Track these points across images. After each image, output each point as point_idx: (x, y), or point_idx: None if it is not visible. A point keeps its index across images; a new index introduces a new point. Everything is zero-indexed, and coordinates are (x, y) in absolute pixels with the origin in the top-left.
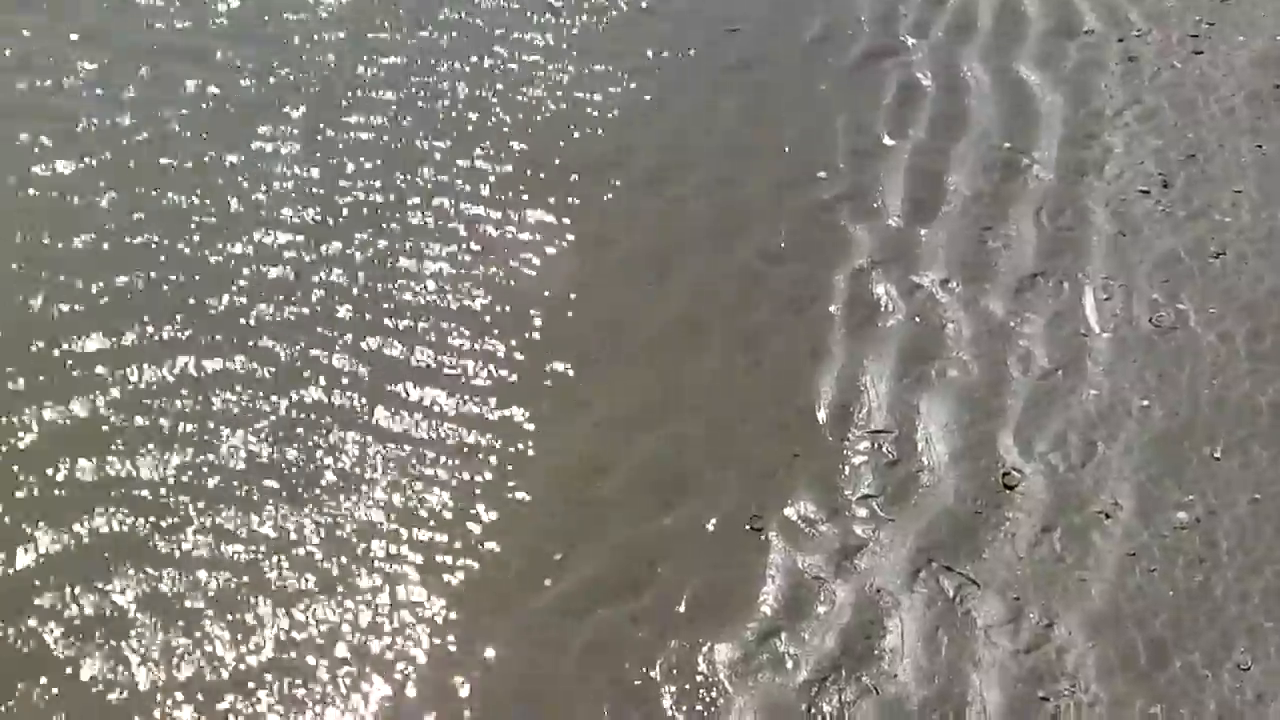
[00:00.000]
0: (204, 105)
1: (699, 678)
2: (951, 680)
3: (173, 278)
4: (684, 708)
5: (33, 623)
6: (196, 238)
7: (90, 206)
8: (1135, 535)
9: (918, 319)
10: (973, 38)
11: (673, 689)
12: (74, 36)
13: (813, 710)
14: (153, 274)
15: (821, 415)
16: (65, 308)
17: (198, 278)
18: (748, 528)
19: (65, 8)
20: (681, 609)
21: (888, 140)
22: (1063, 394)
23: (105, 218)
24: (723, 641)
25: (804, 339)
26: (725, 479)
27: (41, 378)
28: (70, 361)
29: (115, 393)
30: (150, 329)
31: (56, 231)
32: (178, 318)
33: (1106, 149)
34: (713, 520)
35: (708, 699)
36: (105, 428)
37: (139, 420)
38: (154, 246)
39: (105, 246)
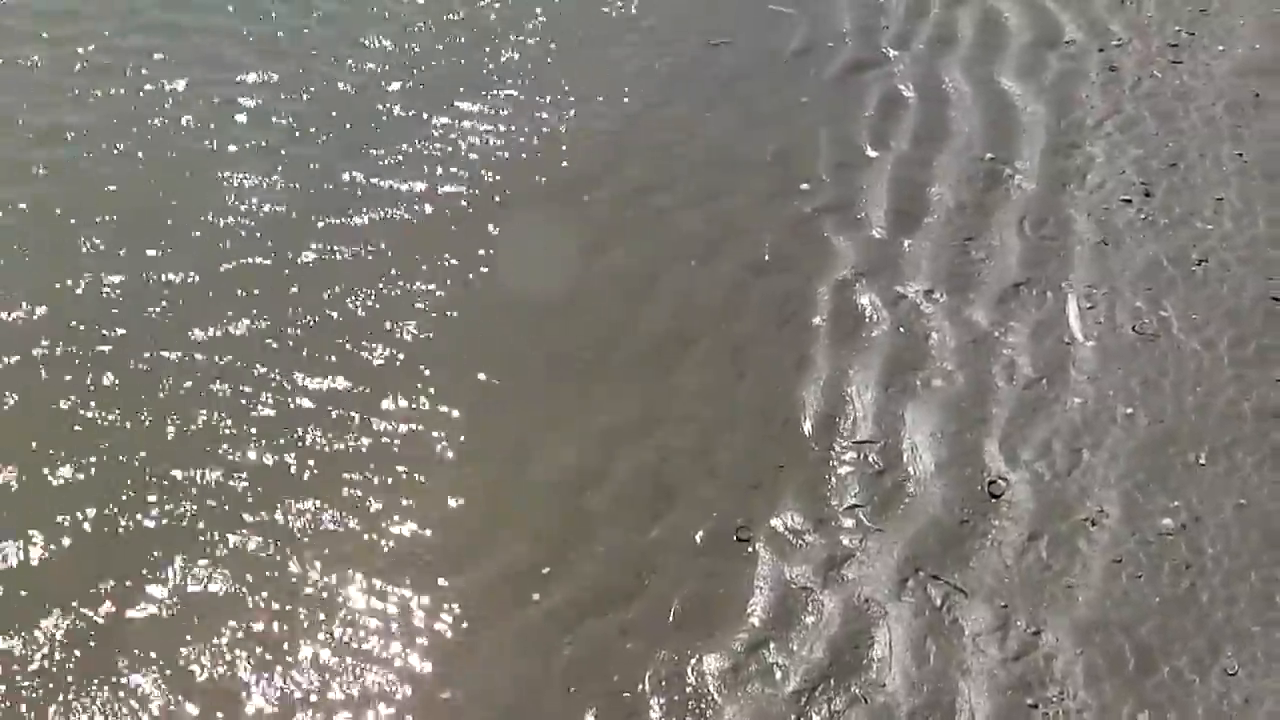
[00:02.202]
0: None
1: (688, 689)
2: (940, 689)
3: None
4: (673, 719)
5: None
6: None
7: None
8: (1121, 542)
9: (902, 329)
10: (954, 49)
11: (662, 700)
12: None
13: None
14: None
15: (807, 426)
16: None
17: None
18: (735, 539)
19: None
20: (670, 620)
21: (870, 152)
22: (1047, 402)
23: None
24: (711, 652)
25: (789, 350)
26: (712, 490)
27: None
28: None
29: None
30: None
31: None
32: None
33: (1088, 158)
34: (700, 532)
35: (697, 710)
36: None
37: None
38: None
39: None
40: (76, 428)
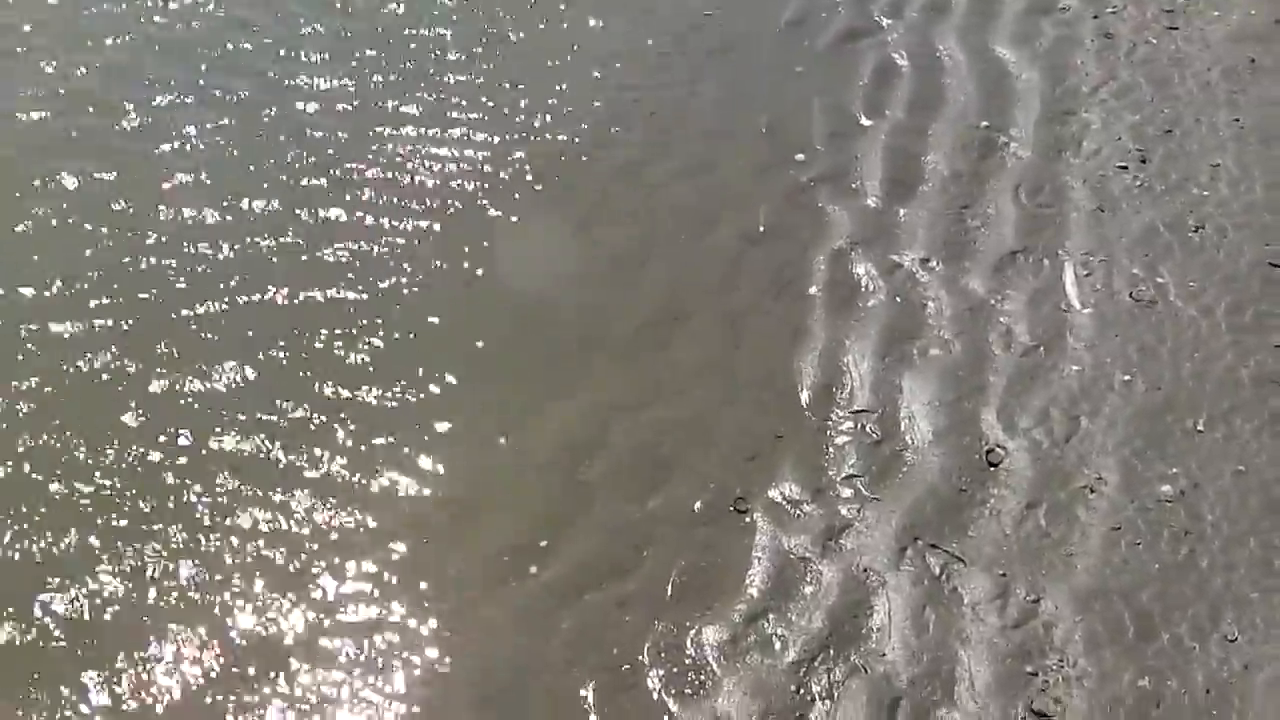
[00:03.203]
0: None
1: (687, 661)
2: (940, 657)
3: None
4: (673, 691)
5: None
6: None
7: None
8: (1120, 509)
9: (898, 298)
10: (948, 17)
11: (661, 673)
12: None
13: (802, 690)
14: None
15: (804, 396)
16: None
17: None
18: (733, 510)
19: None
20: (668, 592)
21: (865, 121)
22: (1045, 370)
23: None
24: (710, 624)
25: (785, 320)
26: (710, 462)
27: None
28: None
29: None
30: None
31: None
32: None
33: (1084, 125)
34: (698, 503)
35: (696, 682)
36: None
37: None
38: None
39: None
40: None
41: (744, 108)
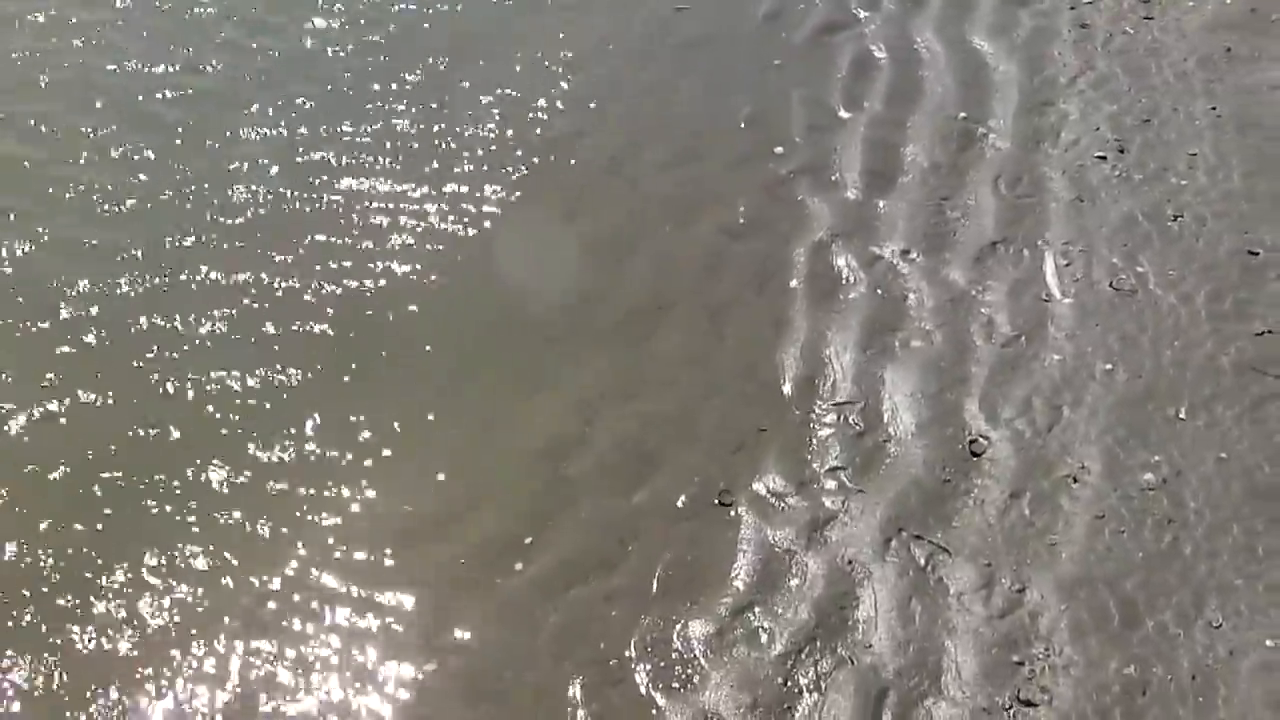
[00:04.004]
0: None
1: (674, 654)
2: (926, 648)
3: None
4: (660, 685)
5: None
6: None
7: None
8: (1103, 498)
9: (879, 290)
10: (925, 9)
11: (648, 666)
12: None
13: (789, 682)
14: None
15: (787, 389)
16: None
17: None
18: (717, 503)
19: None
20: (654, 587)
21: (843, 113)
22: (1026, 360)
23: None
24: (697, 617)
25: (767, 313)
26: (693, 455)
27: None
28: None
29: None
30: None
31: None
32: None
33: (1062, 116)
34: (682, 497)
35: (684, 675)
36: None
37: None
38: None
39: None
40: None
41: (723, 101)
